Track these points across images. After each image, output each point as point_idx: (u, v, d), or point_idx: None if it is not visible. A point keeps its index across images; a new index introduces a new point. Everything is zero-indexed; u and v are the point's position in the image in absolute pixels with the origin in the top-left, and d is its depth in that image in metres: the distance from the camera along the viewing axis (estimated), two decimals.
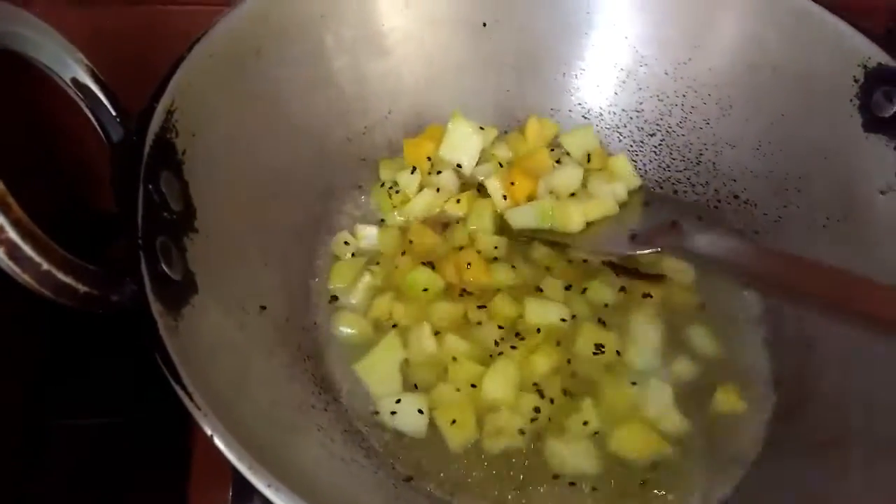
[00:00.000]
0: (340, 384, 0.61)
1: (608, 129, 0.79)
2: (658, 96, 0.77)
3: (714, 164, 0.75)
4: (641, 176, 0.78)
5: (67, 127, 0.84)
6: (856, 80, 0.65)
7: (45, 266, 0.38)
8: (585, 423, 0.58)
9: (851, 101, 0.65)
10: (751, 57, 0.71)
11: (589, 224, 0.71)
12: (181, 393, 0.40)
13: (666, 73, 0.76)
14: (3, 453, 0.72)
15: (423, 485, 0.56)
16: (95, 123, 0.52)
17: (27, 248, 0.38)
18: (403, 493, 0.54)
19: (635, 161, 0.79)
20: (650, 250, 0.64)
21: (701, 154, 0.76)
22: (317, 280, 0.68)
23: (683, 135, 0.77)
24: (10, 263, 0.37)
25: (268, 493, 0.38)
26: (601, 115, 0.79)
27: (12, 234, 0.37)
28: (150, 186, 0.49)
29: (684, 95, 0.76)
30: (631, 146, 0.79)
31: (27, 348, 0.78)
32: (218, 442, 0.39)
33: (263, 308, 0.59)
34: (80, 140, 0.85)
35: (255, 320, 0.57)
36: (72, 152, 0.88)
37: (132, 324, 0.44)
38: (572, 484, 0.56)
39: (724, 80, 0.74)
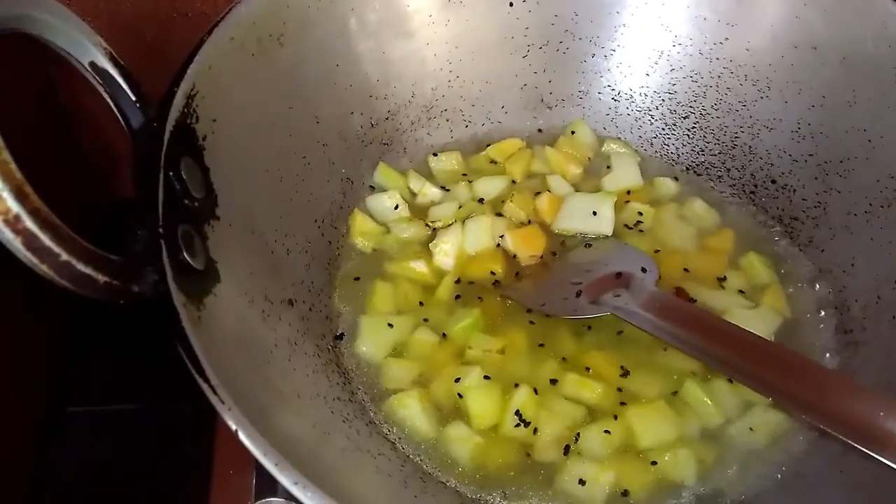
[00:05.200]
0: (363, 373, 0.60)
1: (639, 111, 0.77)
2: (692, 77, 0.74)
3: (750, 147, 0.72)
4: (673, 161, 0.76)
5: (90, 112, 0.83)
6: None
7: (65, 256, 0.37)
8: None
9: None
10: (791, 36, 0.68)
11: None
12: (204, 386, 0.39)
13: (701, 54, 0.73)
14: (21, 439, 0.71)
15: (450, 480, 0.55)
16: (115, 109, 0.51)
17: (45, 239, 0.36)
18: (431, 488, 0.53)
19: (667, 145, 0.76)
20: (600, 314, 0.60)
21: (737, 137, 0.73)
22: (340, 268, 0.66)
23: (718, 117, 0.74)
24: (29, 254, 0.36)
25: (294, 490, 0.37)
26: (631, 97, 0.77)
27: (30, 224, 0.36)
28: (171, 173, 0.48)
29: (720, 76, 0.73)
30: (663, 129, 0.76)
31: (45, 335, 0.78)
32: (243, 437, 0.38)
33: (291, 303, 0.57)
34: (102, 126, 0.85)
35: (280, 310, 0.56)
36: (95, 139, 0.87)
37: (152, 312, 0.43)
38: None
39: (762, 61, 0.71)
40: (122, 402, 0.79)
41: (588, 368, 0.59)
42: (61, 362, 0.79)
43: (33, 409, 0.74)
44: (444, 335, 0.61)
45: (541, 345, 0.61)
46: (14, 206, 0.35)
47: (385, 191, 0.71)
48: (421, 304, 0.64)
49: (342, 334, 0.62)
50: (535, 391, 0.57)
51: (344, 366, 0.60)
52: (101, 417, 0.79)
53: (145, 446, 0.74)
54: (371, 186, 0.72)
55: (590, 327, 0.62)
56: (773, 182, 0.71)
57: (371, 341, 0.61)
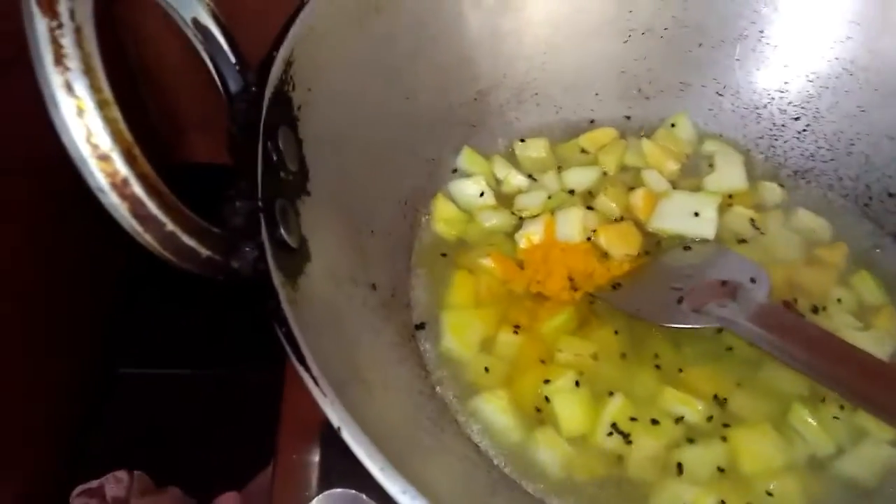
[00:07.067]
0: (445, 368, 0.57)
1: (745, 108, 0.72)
2: (807, 76, 0.69)
3: (868, 156, 0.67)
4: (780, 164, 0.71)
5: (157, 75, 0.81)
6: None
7: (170, 227, 0.34)
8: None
9: None
10: None
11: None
12: (305, 376, 0.36)
13: (818, 51, 0.68)
14: (71, 400, 0.70)
15: (535, 489, 0.51)
16: (213, 70, 0.47)
17: (152, 206, 0.34)
18: (518, 497, 0.50)
19: (774, 147, 0.71)
20: (704, 325, 0.55)
21: (853, 144, 0.68)
22: (421, 255, 0.63)
23: (833, 121, 0.68)
24: (134, 222, 0.33)
25: (403, 499, 0.33)
26: (738, 92, 0.72)
27: (138, 190, 0.33)
28: (269, 143, 0.45)
29: (838, 77, 0.68)
30: (770, 129, 0.71)
31: (101, 298, 0.77)
32: (346, 436, 0.35)
33: (374, 287, 0.54)
34: (170, 89, 0.82)
35: (364, 293, 0.53)
36: (161, 101, 0.85)
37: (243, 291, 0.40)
38: None
39: (886, 64, 0.65)
40: (172, 367, 0.77)
41: (687, 382, 0.55)
42: (114, 325, 0.77)
43: (84, 370, 0.72)
44: (531, 334, 0.58)
45: (634, 353, 0.57)
46: (123, 169, 0.33)
47: (469, 176, 0.67)
48: (506, 298, 0.60)
49: (423, 324, 0.59)
50: (631, 402, 0.54)
51: (424, 360, 0.57)
52: (149, 380, 0.77)
53: (204, 414, 0.73)
54: (453, 170, 0.68)
55: (687, 338, 0.58)
56: (891, 195, 0.66)
57: (453, 336, 0.57)
